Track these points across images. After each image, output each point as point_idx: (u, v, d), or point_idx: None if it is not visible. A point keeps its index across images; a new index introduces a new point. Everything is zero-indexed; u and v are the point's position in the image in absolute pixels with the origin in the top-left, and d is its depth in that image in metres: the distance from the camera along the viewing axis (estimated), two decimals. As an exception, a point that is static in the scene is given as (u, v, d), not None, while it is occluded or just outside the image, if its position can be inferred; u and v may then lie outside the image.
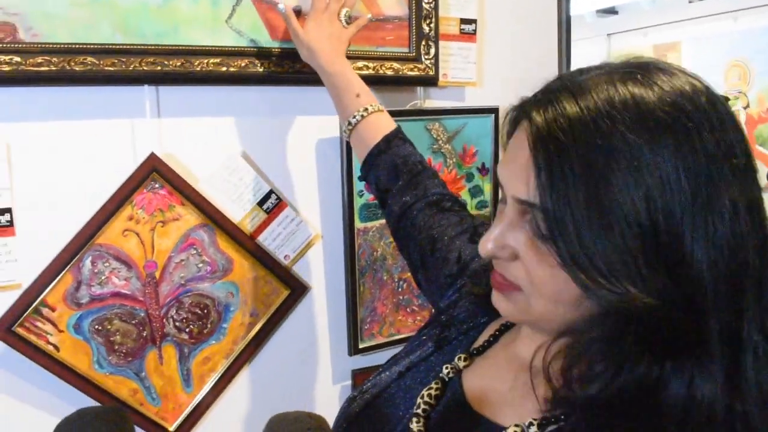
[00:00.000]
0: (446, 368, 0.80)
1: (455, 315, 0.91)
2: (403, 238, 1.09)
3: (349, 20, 1.23)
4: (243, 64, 1.27)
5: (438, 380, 0.79)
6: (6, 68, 1.10)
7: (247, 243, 1.34)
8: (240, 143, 1.34)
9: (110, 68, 1.17)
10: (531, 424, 0.66)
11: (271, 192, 1.36)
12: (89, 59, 1.15)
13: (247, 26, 1.28)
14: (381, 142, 1.13)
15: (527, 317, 0.69)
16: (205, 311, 1.32)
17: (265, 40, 1.30)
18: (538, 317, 0.68)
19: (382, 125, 1.15)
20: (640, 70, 0.62)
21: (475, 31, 1.55)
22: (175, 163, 1.26)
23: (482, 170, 1.57)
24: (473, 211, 1.56)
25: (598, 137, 0.58)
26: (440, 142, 1.50)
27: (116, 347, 1.25)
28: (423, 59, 1.44)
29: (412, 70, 1.43)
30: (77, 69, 1.15)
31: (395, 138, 1.13)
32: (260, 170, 1.35)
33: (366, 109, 1.15)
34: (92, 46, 1.16)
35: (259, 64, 1.28)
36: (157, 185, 1.24)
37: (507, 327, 0.83)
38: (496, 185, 1.60)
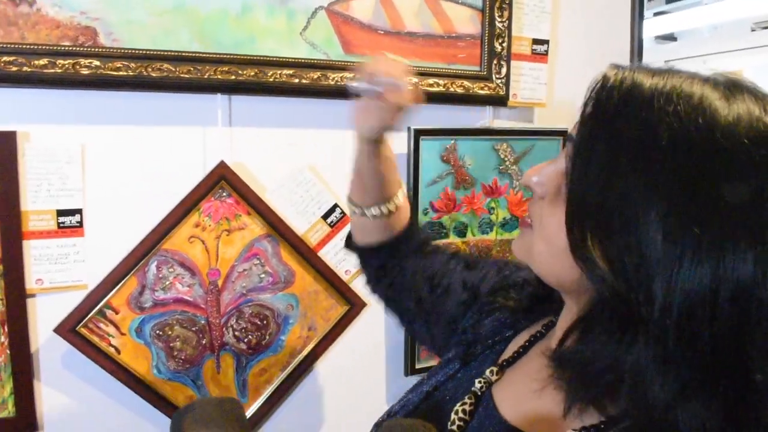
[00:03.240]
0: (478, 382, 0.77)
1: (480, 332, 0.88)
2: (391, 289, 1.02)
3: None
4: (315, 77, 1.26)
5: (470, 394, 0.77)
6: (85, 71, 1.12)
7: (310, 256, 1.33)
8: (308, 155, 1.33)
9: (186, 75, 1.18)
10: None
11: (335, 206, 1.35)
12: (166, 66, 1.17)
13: (321, 39, 1.28)
14: (403, 232, 1.02)
15: (527, 256, 0.69)
16: (265, 322, 1.31)
17: (338, 54, 1.29)
18: (535, 257, 0.66)
19: (404, 213, 1.04)
20: (729, 82, 0.59)
21: (547, 51, 1.52)
22: (243, 172, 1.26)
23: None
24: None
25: (644, 111, 0.56)
26: (507, 162, 1.47)
27: (176, 353, 1.25)
28: (494, 78, 1.42)
29: (482, 88, 1.41)
30: (154, 75, 1.16)
31: (415, 225, 1.05)
32: (326, 183, 1.34)
33: (404, 196, 1.02)
34: (169, 53, 1.17)
35: (330, 77, 1.28)
36: (224, 193, 1.25)
37: (537, 338, 0.80)
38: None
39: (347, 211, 1.06)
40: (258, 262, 1.29)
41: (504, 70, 1.43)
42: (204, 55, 1.19)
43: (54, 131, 1.16)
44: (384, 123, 0.91)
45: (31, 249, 1.15)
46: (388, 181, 0.99)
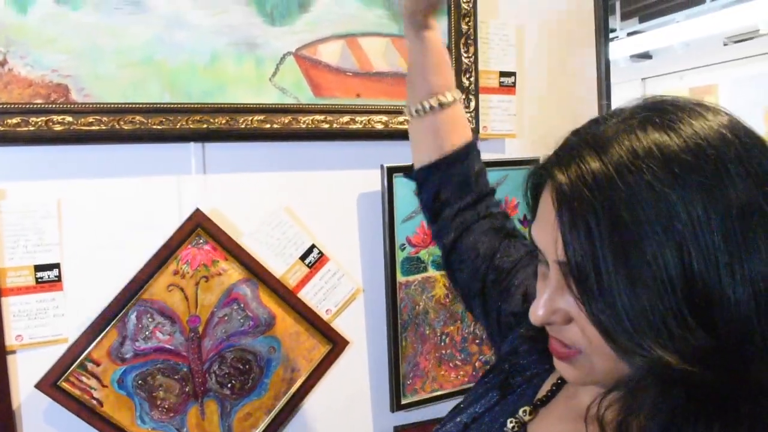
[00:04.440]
0: (511, 422, 0.77)
1: (518, 362, 0.87)
2: (459, 261, 0.98)
3: None
4: (286, 121, 1.29)
5: None
6: (59, 128, 1.14)
7: (290, 297, 1.34)
8: (283, 198, 1.35)
9: (158, 126, 1.20)
10: None
11: (313, 246, 1.36)
12: (138, 118, 1.19)
13: (290, 83, 1.30)
14: (462, 149, 0.98)
15: (594, 378, 0.66)
16: (247, 366, 1.32)
17: (308, 97, 1.32)
18: (604, 376, 0.64)
19: (461, 123, 0.99)
20: (656, 112, 0.59)
21: (514, 83, 1.55)
22: (219, 218, 1.28)
23: (524, 222, 1.56)
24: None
25: (623, 191, 0.55)
26: (481, 194, 1.49)
27: (159, 402, 1.25)
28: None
29: (452, 123, 1.43)
30: (126, 128, 1.18)
31: (475, 147, 1.00)
32: (303, 224, 1.36)
33: (454, 98, 0.97)
34: (141, 106, 1.19)
35: (302, 120, 1.30)
36: (201, 240, 1.26)
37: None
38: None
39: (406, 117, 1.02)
40: (238, 306, 1.30)
41: (473, 104, 1.46)
42: (175, 105, 1.21)
43: (29, 187, 1.17)
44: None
45: (10, 305, 1.15)
46: (435, 73, 0.96)
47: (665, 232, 0.54)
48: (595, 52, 1.73)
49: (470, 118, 1.45)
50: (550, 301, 0.63)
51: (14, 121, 1.12)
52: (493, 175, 1.48)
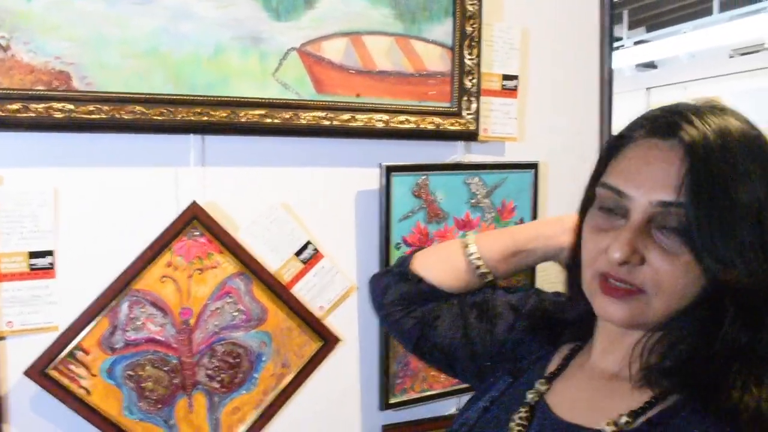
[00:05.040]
0: (530, 394, 0.86)
1: (524, 349, 0.99)
2: (432, 326, 1.06)
3: None
4: (287, 116, 1.28)
5: (525, 405, 0.85)
6: (58, 115, 1.14)
7: (283, 293, 1.34)
8: (281, 193, 1.35)
9: (158, 117, 1.19)
10: (622, 416, 0.73)
11: (308, 242, 1.36)
12: (138, 108, 1.18)
13: (293, 79, 1.30)
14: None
15: (642, 319, 0.75)
16: (237, 360, 1.32)
17: (309, 93, 1.31)
18: (653, 316, 0.74)
19: None
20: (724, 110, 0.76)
21: (516, 87, 1.55)
22: (216, 211, 1.28)
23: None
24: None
25: (742, 151, 0.70)
26: (479, 196, 1.49)
27: (147, 393, 1.25)
28: (464, 114, 1.45)
29: (453, 124, 1.43)
30: (126, 117, 1.18)
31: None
32: (300, 220, 1.36)
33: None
34: (142, 96, 1.19)
35: (302, 117, 1.30)
36: (197, 233, 1.26)
37: (575, 351, 0.91)
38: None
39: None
40: (230, 300, 1.30)
41: (474, 106, 1.46)
42: (176, 97, 1.21)
43: (27, 174, 1.17)
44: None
45: (3, 291, 1.15)
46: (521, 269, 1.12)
47: (761, 181, 0.70)
48: (599, 58, 1.72)
49: (471, 120, 1.45)
50: (633, 242, 0.72)
51: (15, 107, 1.12)
52: (491, 178, 1.49)
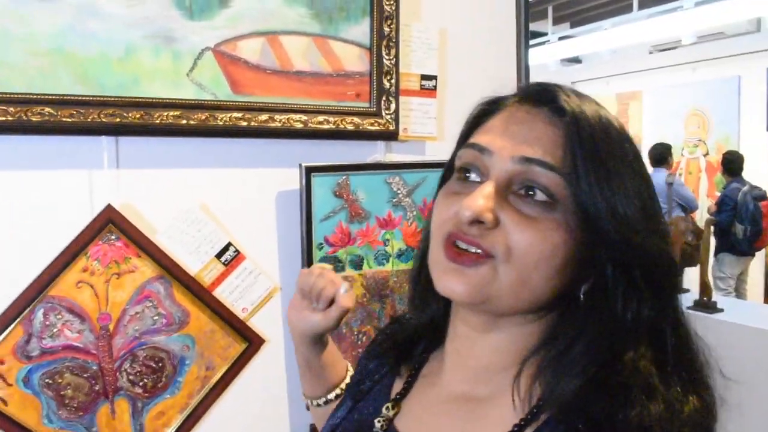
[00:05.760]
0: (378, 422, 0.78)
1: (368, 367, 0.91)
2: None
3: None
4: (203, 117, 1.27)
5: None
6: (-39, 118, 1.10)
7: (204, 295, 1.33)
8: (200, 195, 1.33)
9: (68, 119, 1.17)
10: None
11: (229, 244, 1.35)
12: (47, 110, 1.15)
13: (208, 79, 1.29)
14: None
15: (487, 292, 0.67)
16: (160, 364, 1.30)
17: (226, 94, 1.31)
18: (503, 289, 0.67)
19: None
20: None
21: (435, 86, 1.58)
22: (133, 214, 1.26)
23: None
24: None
25: (613, 125, 0.70)
26: (400, 195, 1.51)
27: (67, 401, 1.22)
28: (383, 114, 1.46)
29: (372, 124, 1.45)
30: (34, 119, 1.15)
31: None
32: (220, 222, 1.35)
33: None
34: (50, 97, 1.16)
35: (219, 118, 1.29)
36: (113, 237, 1.23)
37: (419, 365, 0.84)
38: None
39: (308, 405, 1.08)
40: (150, 304, 1.28)
41: (393, 106, 1.48)
42: (87, 98, 1.18)
43: (-71, 180, 1.13)
44: (326, 325, 0.94)
45: None
46: (332, 369, 1.03)
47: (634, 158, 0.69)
48: (516, 56, 1.77)
49: (390, 120, 1.47)
50: (490, 199, 0.66)
51: None
52: (411, 177, 1.51)
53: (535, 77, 1.58)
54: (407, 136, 1.54)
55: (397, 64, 1.47)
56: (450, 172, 0.77)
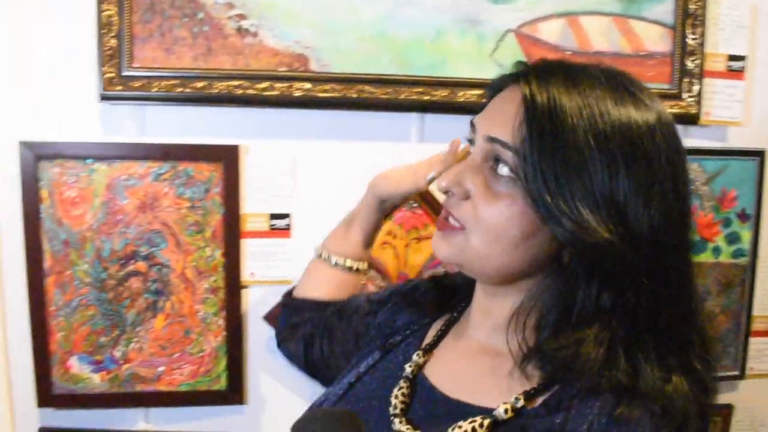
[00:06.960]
0: (409, 367, 0.82)
1: (396, 325, 0.95)
2: (310, 344, 1.09)
3: None
4: (504, 96, 1.33)
5: (404, 379, 0.81)
6: (298, 93, 1.28)
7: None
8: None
9: (383, 96, 1.30)
10: (518, 398, 0.70)
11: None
12: (367, 88, 1.29)
13: (510, 60, 1.33)
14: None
15: (462, 256, 0.74)
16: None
17: (525, 74, 1.35)
18: (473, 255, 0.73)
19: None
20: (633, 86, 0.72)
21: (743, 68, 1.47)
22: (432, 186, 1.35)
23: (742, 216, 1.48)
24: (729, 260, 1.48)
25: (577, 128, 0.67)
26: (697, 183, 1.43)
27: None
28: (685, 96, 1.40)
29: (672, 107, 1.39)
30: (355, 96, 1.29)
31: None
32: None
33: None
34: (370, 76, 1.30)
35: (517, 97, 1.33)
36: (414, 204, 1.34)
37: (452, 321, 0.88)
38: (757, 233, 1.50)
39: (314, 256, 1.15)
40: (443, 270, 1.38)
41: (696, 88, 1.40)
42: (400, 77, 1.30)
43: (270, 146, 1.32)
44: (416, 186, 1.05)
45: (247, 246, 1.32)
46: (370, 242, 1.12)
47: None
48: None
49: (692, 103, 1.40)
50: (461, 174, 0.74)
51: (262, 86, 1.28)
52: (711, 164, 1.43)
53: None
54: (709, 120, 1.45)
55: (702, 44, 1.40)
56: None
